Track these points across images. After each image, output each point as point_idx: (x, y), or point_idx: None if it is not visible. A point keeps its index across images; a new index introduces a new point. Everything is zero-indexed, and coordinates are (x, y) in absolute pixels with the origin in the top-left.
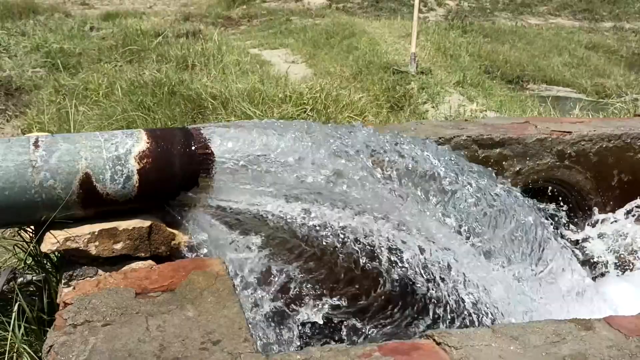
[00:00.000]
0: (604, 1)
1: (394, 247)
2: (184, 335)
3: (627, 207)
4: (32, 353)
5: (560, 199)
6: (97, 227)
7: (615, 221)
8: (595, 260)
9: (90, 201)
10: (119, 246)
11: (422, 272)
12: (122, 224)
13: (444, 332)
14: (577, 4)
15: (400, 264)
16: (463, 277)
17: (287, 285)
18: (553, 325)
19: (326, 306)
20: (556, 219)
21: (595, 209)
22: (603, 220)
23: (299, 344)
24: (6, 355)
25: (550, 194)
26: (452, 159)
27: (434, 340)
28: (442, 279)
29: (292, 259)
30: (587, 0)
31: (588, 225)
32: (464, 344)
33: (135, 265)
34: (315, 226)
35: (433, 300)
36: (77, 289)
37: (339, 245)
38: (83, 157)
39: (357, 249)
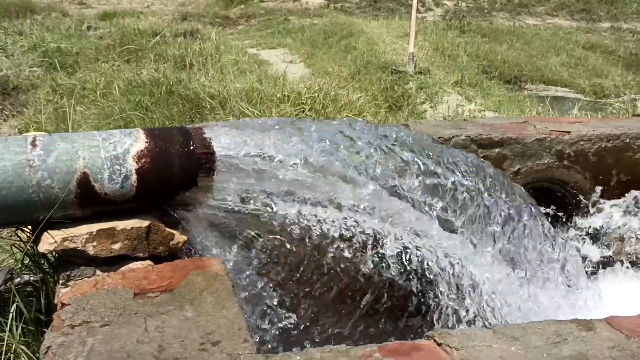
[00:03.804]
0: (601, 1)
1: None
2: (183, 336)
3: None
4: (29, 354)
5: (559, 198)
6: (95, 227)
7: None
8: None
9: (88, 201)
10: (117, 246)
11: None
12: (120, 224)
13: (445, 333)
14: (575, 4)
15: None
16: None
17: None
18: (554, 326)
19: None
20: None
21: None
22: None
23: None
24: (3, 356)
25: (549, 193)
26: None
27: (435, 340)
28: None
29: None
30: (584, 0)
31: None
32: (464, 344)
33: (133, 265)
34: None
35: None
36: (74, 290)
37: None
38: (81, 157)
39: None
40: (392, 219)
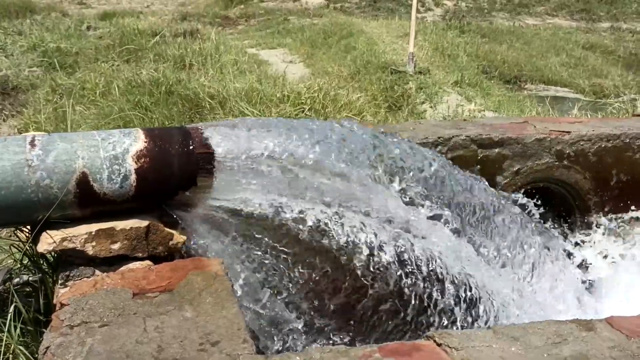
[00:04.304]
0: (601, 1)
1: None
2: (182, 336)
3: None
4: (28, 354)
5: (558, 199)
6: (94, 227)
7: None
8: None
9: (87, 201)
10: (116, 246)
11: None
12: (120, 224)
13: (445, 333)
14: (575, 4)
15: None
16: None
17: None
18: (554, 326)
19: None
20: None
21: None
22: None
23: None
24: (2, 356)
25: (548, 194)
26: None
27: (435, 341)
28: None
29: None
30: (584, 0)
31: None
32: (464, 345)
33: (132, 265)
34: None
35: None
36: (73, 290)
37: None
38: (80, 157)
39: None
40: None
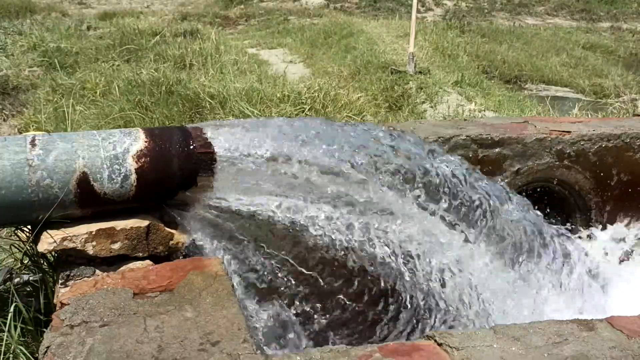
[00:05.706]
0: (601, 1)
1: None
2: (182, 336)
3: None
4: (28, 354)
5: (559, 198)
6: (94, 226)
7: None
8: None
9: (87, 201)
10: (116, 246)
11: None
12: (120, 224)
13: (445, 333)
14: (575, 4)
15: None
16: None
17: None
18: (555, 326)
19: None
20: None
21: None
22: None
23: None
24: (2, 356)
25: (549, 193)
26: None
27: (435, 341)
28: None
29: None
30: (584, 0)
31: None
32: (465, 344)
33: (133, 265)
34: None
35: None
36: (74, 289)
37: None
38: (80, 156)
39: None
40: None
